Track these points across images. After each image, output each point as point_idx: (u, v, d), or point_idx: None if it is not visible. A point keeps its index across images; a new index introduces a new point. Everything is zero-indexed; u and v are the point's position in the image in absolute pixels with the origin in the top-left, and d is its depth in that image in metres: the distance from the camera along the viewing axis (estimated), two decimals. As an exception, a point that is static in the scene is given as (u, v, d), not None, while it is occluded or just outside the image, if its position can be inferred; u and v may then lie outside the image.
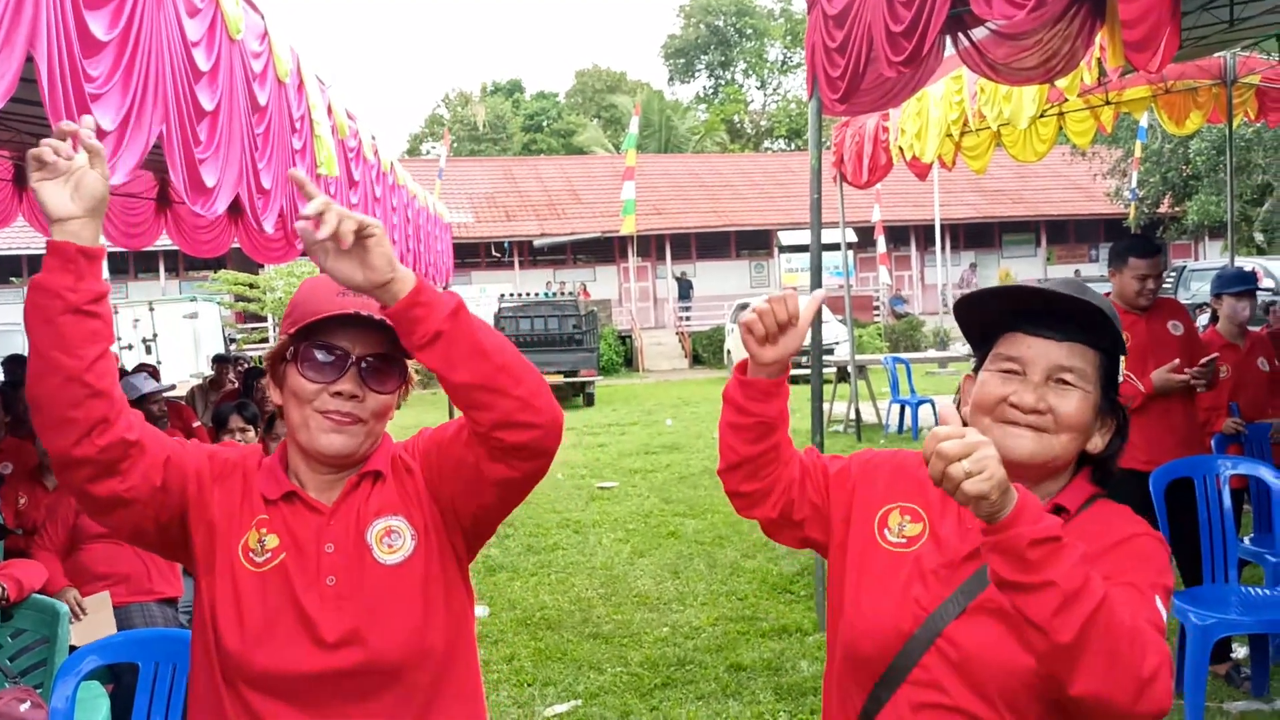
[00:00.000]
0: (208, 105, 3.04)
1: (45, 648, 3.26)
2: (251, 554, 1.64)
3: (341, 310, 1.63)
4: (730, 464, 1.68)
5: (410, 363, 1.74)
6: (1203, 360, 4.28)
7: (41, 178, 1.44)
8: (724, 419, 1.67)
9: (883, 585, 1.57)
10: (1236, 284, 5.15)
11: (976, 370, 1.62)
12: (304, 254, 5.61)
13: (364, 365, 1.66)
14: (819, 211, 5.08)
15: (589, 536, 7.81)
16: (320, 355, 1.65)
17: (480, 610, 5.95)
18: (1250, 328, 5.33)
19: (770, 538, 1.77)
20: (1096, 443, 1.56)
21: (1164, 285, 17.08)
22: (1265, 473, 4.20)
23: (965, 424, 1.59)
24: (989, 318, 1.60)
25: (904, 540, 1.60)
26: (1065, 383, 1.52)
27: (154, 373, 8.47)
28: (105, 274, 1.51)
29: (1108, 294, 4.53)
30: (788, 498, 1.68)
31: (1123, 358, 1.58)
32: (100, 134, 2.45)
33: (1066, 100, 7.62)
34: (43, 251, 1.50)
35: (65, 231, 1.45)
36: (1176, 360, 4.26)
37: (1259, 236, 23.18)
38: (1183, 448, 4.29)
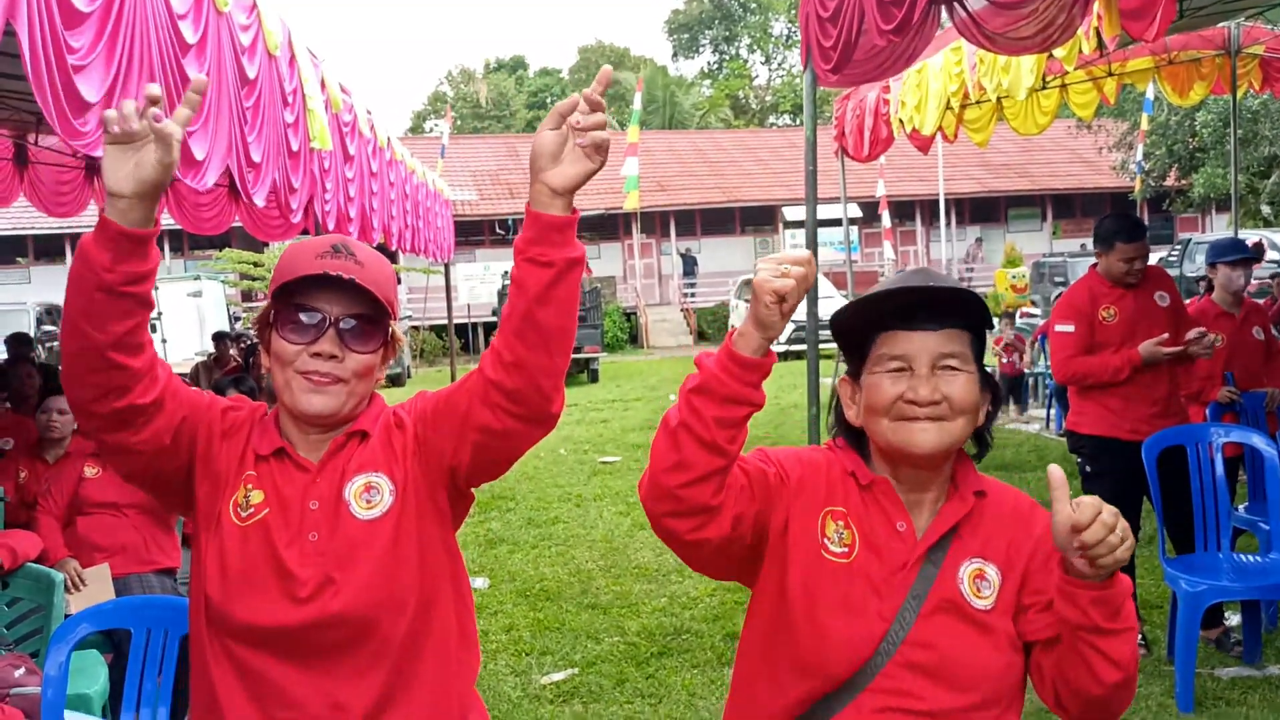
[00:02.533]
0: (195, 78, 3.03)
1: (41, 616, 3.30)
2: (238, 508, 1.68)
3: (317, 271, 1.63)
4: (706, 473, 1.46)
5: (395, 324, 1.76)
6: (1193, 332, 4.27)
7: (109, 141, 1.43)
8: (707, 415, 1.45)
9: (842, 602, 1.55)
10: (1231, 253, 5.14)
11: (854, 376, 1.63)
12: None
13: (343, 325, 1.67)
14: (814, 184, 5.07)
15: (590, 510, 7.84)
16: (299, 317, 1.67)
17: (480, 582, 5.99)
18: (1256, 299, 5.32)
19: (689, 562, 1.59)
20: (979, 416, 1.61)
21: (1169, 259, 16.80)
22: (1258, 440, 4.21)
23: (852, 427, 1.63)
24: (861, 324, 1.61)
25: (845, 550, 1.58)
26: (951, 368, 1.56)
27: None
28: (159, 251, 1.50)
29: (1093, 266, 4.52)
30: (738, 509, 1.53)
31: (989, 332, 1.64)
32: (85, 106, 2.47)
33: (1068, 72, 7.56)
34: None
35: (114, 208, 1.44)
36: (1165, 335, 4.26)
37: (1266, 209, 23.01)
38: (1165, 418, 4.30)
